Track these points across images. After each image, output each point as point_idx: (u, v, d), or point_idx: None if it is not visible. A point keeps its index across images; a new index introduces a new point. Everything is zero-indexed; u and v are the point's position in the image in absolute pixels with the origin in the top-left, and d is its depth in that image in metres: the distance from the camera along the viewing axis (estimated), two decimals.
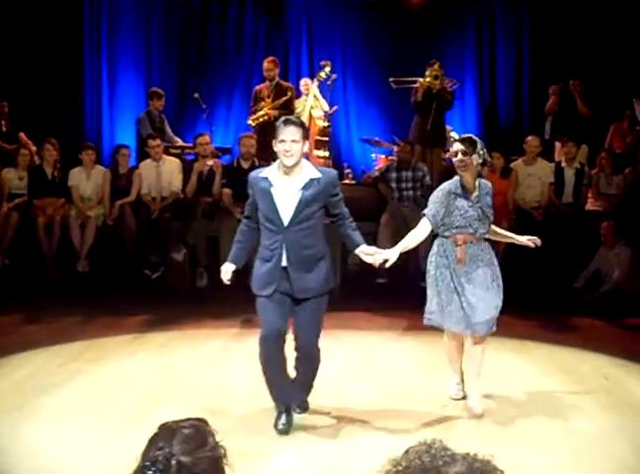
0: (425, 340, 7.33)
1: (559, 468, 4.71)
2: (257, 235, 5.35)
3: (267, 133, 10.95)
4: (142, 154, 10.97)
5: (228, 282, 5.44)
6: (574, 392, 6.20)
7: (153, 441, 2.13)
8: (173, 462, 2.05)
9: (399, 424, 5.38)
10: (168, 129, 11.50)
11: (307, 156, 11.08)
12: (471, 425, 5.43)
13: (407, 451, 1.84)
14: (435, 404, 5.86)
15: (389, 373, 6.69)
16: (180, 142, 11.56)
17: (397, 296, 9.32)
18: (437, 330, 5.89)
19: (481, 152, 5.43)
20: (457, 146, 5.49)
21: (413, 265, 9.21)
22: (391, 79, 11.59)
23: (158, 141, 10.35)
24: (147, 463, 2.07)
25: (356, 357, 7.16)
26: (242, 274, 9.59)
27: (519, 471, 4.53)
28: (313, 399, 5.82)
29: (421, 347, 7.42)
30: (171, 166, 10.24)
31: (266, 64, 11.40)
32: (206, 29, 13.68)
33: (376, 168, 11.41)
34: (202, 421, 2.23)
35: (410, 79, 11.31)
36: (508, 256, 9.78)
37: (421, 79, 11.08)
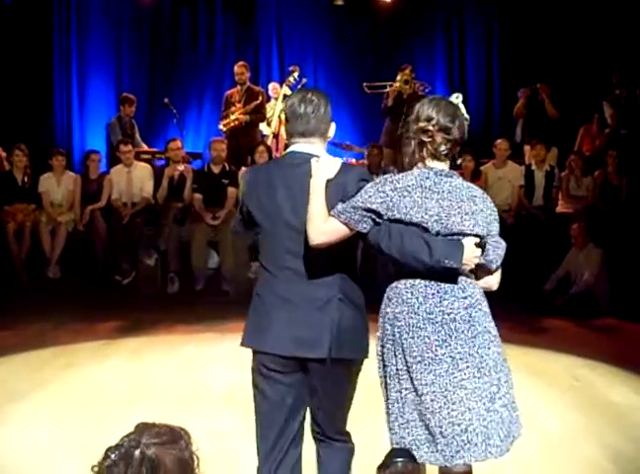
0: None
1: (527, 467, 4.74)
2: None
3: (238, 138, 11.00)
4: (113, 160, 10.95)
5: None
6: (543, 393, 6.23)
7: (126, 434, 2.14)
8: (137, 452, 2.05)
9: (377, 420, 5.39)
10: (137, 135, 11.47)
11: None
12: None
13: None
14: None
15: (368, 373, 6.70)
16: (145, 148, 11.53)
17: None
18: None
19: None
20: None
21: None
22: (365, 84, 11.62)
23: (130, 147, 10.33)
24: (112, 447, 2.07)
25: None
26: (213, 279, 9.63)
27: (486, 471, 4.56)
28: None
29: None
30: (142, 172, 10.22)
31: (237, 68, 11.41)
32: (177, 33, 13.67)
33: None
34: (182, 429, 2.22)
35: (383, 84, 11.35)
36: None
37: (393, 84, 11.12)
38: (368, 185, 3.32)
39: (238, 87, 11.44)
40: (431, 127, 3.33)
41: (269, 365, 3.38)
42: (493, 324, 3.39)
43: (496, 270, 3.43)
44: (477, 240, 3.27)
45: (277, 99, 12.02)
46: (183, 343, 7.91)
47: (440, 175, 3.30)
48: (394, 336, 3.27)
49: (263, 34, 13.87)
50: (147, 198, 10.07)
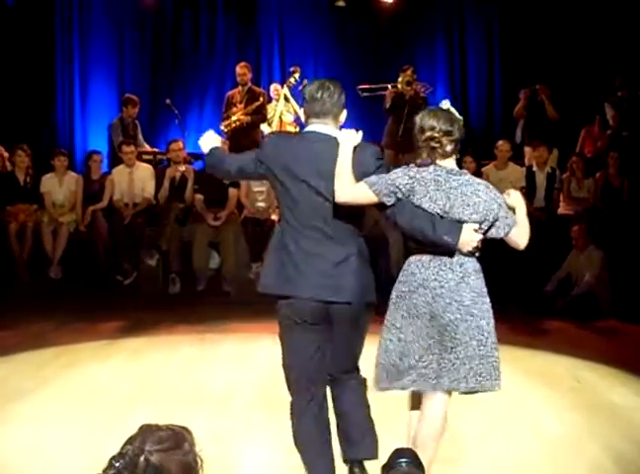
0: None
1: (528, 469, 4.75)
2: None
3: (239, 139, 11.00)
4: (114, 160, 10.95)
5: None
6: (545, 394, 6.24)
7: (130, 438, 2.15)
8: (141, 458, 2.06)
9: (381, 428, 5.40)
10: (140, 136, 11.48)
11: None
12: None
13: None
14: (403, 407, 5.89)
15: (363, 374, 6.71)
16: (147, 148, 11.54)
17: None
18: None
19: None
20: None
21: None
22: (359, 87, 11.60)
23: (132, 147, 10.34)
24: (116, 455, 2.08)
25: None
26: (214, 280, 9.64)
27: (488, 471, 4.58)
28: (287, 403, 5.87)
29: None
30: (144, 172, 10.23)
31: (239, 69, 11.40)
32: (178, 34, 13.68)
33: None
34: (185, 429, 2.23)
35: (378, 86, 11.34)
36: (479, 259, 9.85)
37: (390, 86, 11.11)
38: (399, 169, 3.95)
39: (239, 88, 11.44)
40: (436, 134, 3.93)
41: (295, 319, 3.99)
42: (475, 296, 3.95)
43: (505, 236, 4.05)
44: (476, 226, 3.90)
45: (278, 100, 12.03)
46: (184, 343, 7.92)
47: (450, 173, 3.94)
48: (395, 298, 4.01)
49: (264, 35, 13.87)
50: (149, 199, 10.08)
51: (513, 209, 4.08)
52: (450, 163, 3.98)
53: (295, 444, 4.08)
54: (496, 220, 3.97)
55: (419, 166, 3.97)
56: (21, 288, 9.63)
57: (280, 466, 4.77)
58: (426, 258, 3.93)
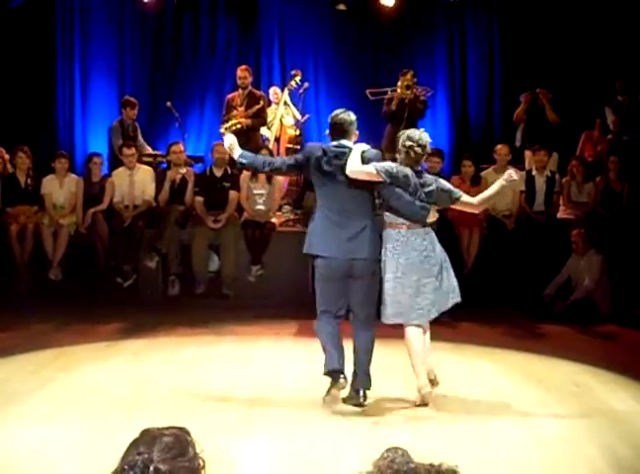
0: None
1: (527, 472, 4.76)
2: None
3: (239, 141, 10.98)
4: (115, 162, 10.95)
5: None
6: (543, 398, 6.25)
7: (134, 446, 2.15)
8: (151, 469, 2.07)
9: (373, 426, 5.41)
10: (140, 138, 11.48)
11: None
12: (441, 429, 5.46)
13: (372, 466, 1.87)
14: (404, 408, 5.91)
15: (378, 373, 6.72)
16: (149, 150, 11.54)
17: None
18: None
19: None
20: None
21: None
22: (368, 90, 11.60)
23: (133, 150, 10.33)
24: (126, 467, 2.08)
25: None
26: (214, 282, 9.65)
27: None
28: (286, 404, 5.87)
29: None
30: (144, 175, 10.23)
31: (239, 72, 11.39)
32: (179, 36, 13.69)
33: None
34: (185, 430, 2.24)
35: (386, 90, 11.34)
36: (478, 264, 9.87)
37: (396, 89, 11.10)
38: (389, 162, 6.01)
39: (239, 91, 11.42)
40: (415, 147, 5.89)
41: (327, 273, 5.90)
42: (440, 250, 6.01)
43: (455, 201, 6.11)
44: (437, 207, 6.08)
45: (277, 103, 12.03)
46: (183, 345, 7.93)
47: (416, 172, 5.93)
48: (385, 256, 5.91)
49: (264, 37, 13.88)
50: (149, 201, 10.08)
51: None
52: (417, 167, 5.94)
53: (318, 336, 5.98)
54: (444, 199, 6.04)
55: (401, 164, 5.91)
56: (21, 290, 9.63)
57: (279, 466, 4.79)
58: (405, 229, 5.89)
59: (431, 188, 5.89)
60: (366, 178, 5.78)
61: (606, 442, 5.20)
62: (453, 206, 6.25)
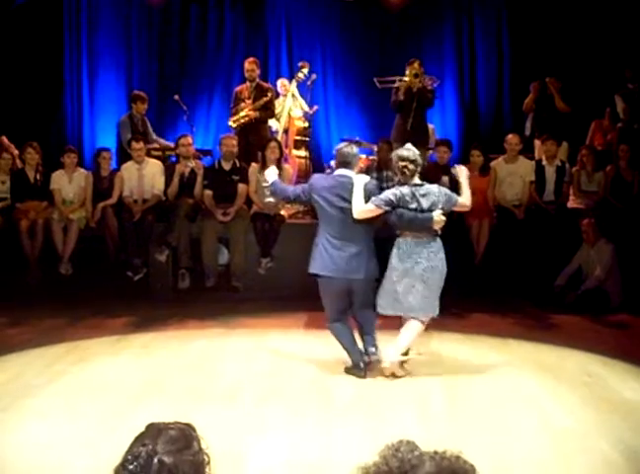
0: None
1: (539, 462, 4.75)
2: None
3: (247, 134, 11.00)
4: (123, 157, 10.95)
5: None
6: (555, 388, 6.23)
7: (139, 438, 2.15)
8: (155, 460, 2.07)
9: (383, 418, 5.41)
10: (151, 131, 11.47)
11: (287, 156, 11.19)
12: (453, 421, 5.46)
13: (377, 456, 1.86)
14: (415, 399, 5.90)
15: (374, 369, 6.73)
16: (162, 143, 11.54)
17: None
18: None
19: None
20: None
21: None
22: (376, 79, 11.56)
23: (142, 144, 10.32)
24: (129, 457, 2.09)
25: (341, 355, 7.19)
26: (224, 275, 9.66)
27: (498, 466, 4.57)
28: (296, 397, 5.87)
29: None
30: (153, 169, 10.21)
31: (247, 65, 11.36)
32: (186, 30, 13.70)
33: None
34: (190, 426, 2.24)
35: (394, 78, 11.30)
36: (489, 254, 9.86)
37: (404, 78, 11.05)
38: (389, 190, 6.61)
39: (247, 83, 11.38)
40: (407, 164, 6.50)
41: (331, 289, 6.65)
42: (437, 257, 6.57)
43: (454, 206, 6.70)
44: (441, 211, 6.49)
45: (285, 95, 12.02)
46: (193, 338, 7.94)
47: (416, 186, 6.54)
48: (391, 257, 6.61)
49: (272, 30, 13.88)
50: (158, 195, 10.06)
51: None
52: (415, 179, 6.53)
53: (333, 334, 6.78)
54: (446, 203, 6.58)
55: (399, 184, 6.56)
56: (32, 285, 9.66)
57: (290, 459, 4.79)
58: (410, 239, 6.53)
59: (434, 198, 6.52)
60: (372, 215, 6.53)
61: (618, 432, 5.19)
62: (454, 208, 6.83)
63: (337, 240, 6.57)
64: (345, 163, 6.71)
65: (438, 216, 6.47)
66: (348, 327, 6.78)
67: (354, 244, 6.56)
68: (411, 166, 6.48)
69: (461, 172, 6.96)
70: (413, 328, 6.58)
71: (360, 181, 6.51)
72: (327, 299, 6.73)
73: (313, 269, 6.67)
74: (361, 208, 6.43)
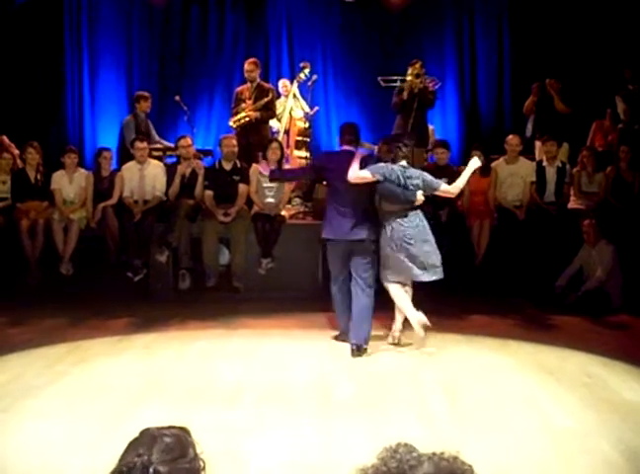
0: (407, 335, 7.42)
1: (539, 463, 4.74)
2: None
3: (248, 135, 10.99)
4: (124, 157, 10.95)
5: None
6: (555, 389, 6.23)
7: (133, 446, 2.13)
8: (150, 470, 2.05)
9: (383, 419, 5.41)
10: (154, 132, 11.47)
11: (288, 157, 11.20)
12: (453, 421, 5.46)
13: (375, 459, 1.86)
14: (415, 400, 5.90)
15: (375, 370, 6.73)
16: (165, 143, 11.54)
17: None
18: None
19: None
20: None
21: None
22: (380, 78, 11.55)
23: (145, 144, 10.31)
24: (124, 468, 2.06)
25: (342, 355, 7.20)
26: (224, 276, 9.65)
27: (499, 466, 4.57)
28: (297, 398, 5.87)
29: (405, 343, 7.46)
30: (155, 169, 10.20)
31: (247, 66, 11.36)
32: (187, 30, 13.71)
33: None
34: (185, 430, 2.22)
35: (397, 78, 11.29)
36: (489, 255, 9.86)
37: (407, 79, 11.04)
38: (382, 163, 7.40)
39: (248, 84, 11.39)
40: (402, 146, 7.40)
41: (334, 250, 7.55)
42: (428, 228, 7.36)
43: (435, 190, 7.47)
44: (421, 192, 7.26)
45: (287, 96, 12.03)
46: (194, 338, 7.94)
47: (404, 167, 7.32)
48: (383, 233, 7.32)
49: (272, 30, 13.89)
50: (159, 197, 10.06)
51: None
52: (403, 162, 7.35)
53: (332, 298, 7.68)
54: (426, 187, 7.35)
55: (392, 162, 7.36)
56: (32, 285, 9.66)
57: (290, 459, 4.79)
58: (399, 212, 7.25)
59: (416, 181, 7.31)
60: (365, 181, 7.22)
61: (619, 433, 5.18)
62: (436, 193, 7.55)
63: (342, 207, 7.41)
64: (348, 139, 7.70)
65: (420, 195, 7.28)
66: (343, 294, 7.56)
67: (354, 211, 7.37)
68: (404, 149, 7.44)
69: (473, 162, 7.59)
70: (400, 296, 7.34)
71: (358, 154, 7.31)
72: (329, 260, 7.74)
73: (324, 234, 7.63)
74: (357, 174, 7.16)
